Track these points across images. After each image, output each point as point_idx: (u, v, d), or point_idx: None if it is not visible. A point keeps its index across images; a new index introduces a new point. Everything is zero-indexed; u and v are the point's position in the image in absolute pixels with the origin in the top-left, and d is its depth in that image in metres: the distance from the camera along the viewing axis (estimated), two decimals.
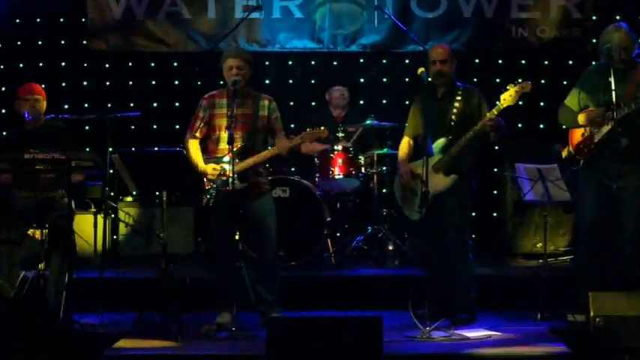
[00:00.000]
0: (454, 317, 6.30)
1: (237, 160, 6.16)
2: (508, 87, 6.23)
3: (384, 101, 9.13)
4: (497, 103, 6.23)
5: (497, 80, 8.76)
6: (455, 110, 6.40)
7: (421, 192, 6.18)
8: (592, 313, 5.42)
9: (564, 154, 6.59)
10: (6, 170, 6.29)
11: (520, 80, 6.26)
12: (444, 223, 6.37)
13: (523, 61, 9.03)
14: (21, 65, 9.11)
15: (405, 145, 6.68)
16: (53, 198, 6.41)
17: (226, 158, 6.21)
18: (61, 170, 6.17)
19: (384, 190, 8.30)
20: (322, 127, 6.37)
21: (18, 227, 6.60)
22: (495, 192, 8.76)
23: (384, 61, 9.21)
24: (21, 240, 6.66)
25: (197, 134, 6.41)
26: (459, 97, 6.43)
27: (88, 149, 7.50)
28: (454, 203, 6.36)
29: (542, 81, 8.81)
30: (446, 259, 6.39)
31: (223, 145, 6.29)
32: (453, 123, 6.38)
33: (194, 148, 6.39)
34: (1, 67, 9.14)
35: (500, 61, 9.09)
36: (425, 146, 6.20)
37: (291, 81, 9.25)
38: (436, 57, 6.44)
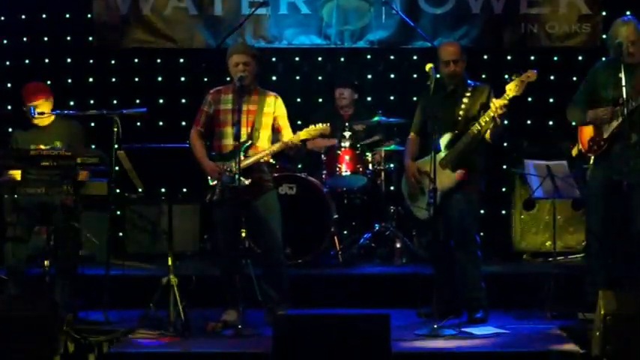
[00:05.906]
0: (469, 315, 6.28)
1: (242, 157, 6.12)
2: (513, 77, 6.13)
3: (392, 98, 9.07)
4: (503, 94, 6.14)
5: (506, 77, 8.65)
6: (463, 106, 6.32)
7: (429, 189, 6.13)
8: (602, 312, 5.35)
9: (574, 152, 6.53)
10: (14, 167, 6.25)
11: (521, 71, 6.14)
12: (452, 220, 6.30)
13: (532, 57, 8.93)
14: (27, 62, 9.07)
15: (411, 141, 6.62)
16: (59, 195, 6.37)
17: (231, 154, 6.17)
18: (66, 167, 6.13)
19: (392, 188, 8.24)
20: (325, 124, 6.33)
21: (24, 224, 6.58)
22: (504, 189, 8.70)
23: (392, 58, 9.14)
24: (27, 237, 6.64)
25: (201, 128, 6.39)
26: (467, 94, 6.35)
27: (93, 146, 7.51)
28: (462, 200, 6.28)
29: (552, 77, 8.74)
30: (454, 257, 6.34)
31: (228, 141, 6.25)
32: (459, 118, 6.30)
33: (198, 142, 6.38)
34: (7, 63, 9.10)
35: (509, 57, 9.00)
36: (434, 142, 6.14)
37: (297, 77, 9.20)
38: (448, 57, 6.33)
